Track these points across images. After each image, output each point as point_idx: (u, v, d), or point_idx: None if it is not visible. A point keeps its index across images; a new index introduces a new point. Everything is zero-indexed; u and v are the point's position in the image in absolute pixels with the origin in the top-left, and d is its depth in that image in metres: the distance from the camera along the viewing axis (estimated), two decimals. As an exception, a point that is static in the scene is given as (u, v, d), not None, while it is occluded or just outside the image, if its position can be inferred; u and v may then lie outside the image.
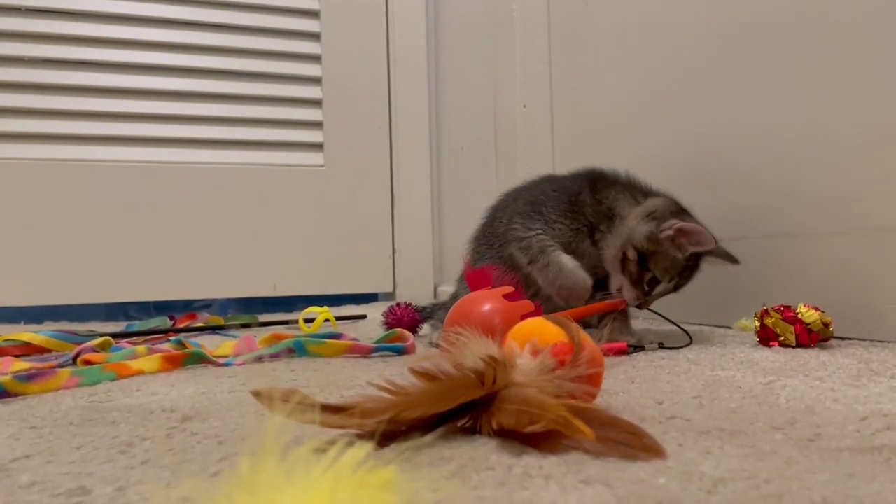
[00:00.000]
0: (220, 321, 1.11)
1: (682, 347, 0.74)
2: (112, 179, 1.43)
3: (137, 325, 1.09)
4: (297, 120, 1.59)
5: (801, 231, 0.83)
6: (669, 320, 0.82)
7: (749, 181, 0.90)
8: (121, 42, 1.46)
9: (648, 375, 0.58)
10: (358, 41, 1.64)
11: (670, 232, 0.76)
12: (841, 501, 0.28)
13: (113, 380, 0.61)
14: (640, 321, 0.97)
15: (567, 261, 0.78)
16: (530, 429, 0.35)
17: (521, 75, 1.34)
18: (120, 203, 1.43)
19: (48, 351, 0.79)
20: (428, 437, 0.37)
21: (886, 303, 0.74)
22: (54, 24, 1.41)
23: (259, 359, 0.72)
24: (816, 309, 0.72)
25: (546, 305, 0.75)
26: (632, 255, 0.78)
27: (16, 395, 0.54)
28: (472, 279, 0.75)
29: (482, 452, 0.35)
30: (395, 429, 0.37)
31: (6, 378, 0.54)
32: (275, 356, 0.73)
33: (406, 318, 0.95)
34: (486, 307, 0.64)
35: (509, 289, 0.66)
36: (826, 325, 0.71)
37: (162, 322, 1.11)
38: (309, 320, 1.01)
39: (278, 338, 0.76)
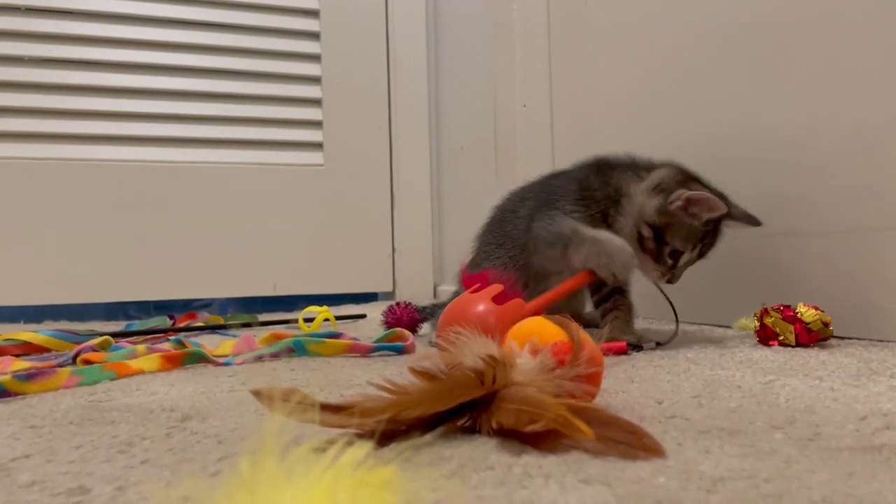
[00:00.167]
0: (220, 320, 1.11)
1: (670, 340, 0.74)
2: (110, 179, 1.43)
3: (137, 325, 1.09)
4: (297, 119, 1.59)
5: (800, 230, 0.83)
6: (668, 299, 0.79)
7: (748, 181, 0.89)
8: (117, 41, 1.46)
9: (648, 375, 0.58)
10: (358, 40, 1.64)
11: (680, 202, 0.74)
12: (840, 501, 0.28)
13: (112, 379, 0.61)
14: (640, 321, 0.97)
15: (601, 232, 0.75)
16: (530, 428, 0.35)
17: (520, 75, 1.34)
18: (118, 202, 1.43)
19: (48, 350, 0.79)
20: (428, 437, 0.37)
21: (886, 302, 0.74)
22: (52, 24, 1.41)
23: (259, 358, 0.72)
24: (816, 308, 0.72)
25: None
26: (647, 232, 0.76)
27: (15, 394, 0.54)
28: (469, 282, 0.75)
29: (482, 452, 0.35)
30: (394, 428, 0.37)
31: (6, 377, 0.54)
32: (274, 355, 0.73)
33: (406, 318, 0.95)
34: (480, 308, 0.64)
35: (499, 287, 0.66)
36: (825, 325, 0.71)
37: (162, 321, 1.11)
38: (308, 320, 1.01)
39: (278, 337, 0.76)
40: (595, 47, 1.21)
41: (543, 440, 0.35)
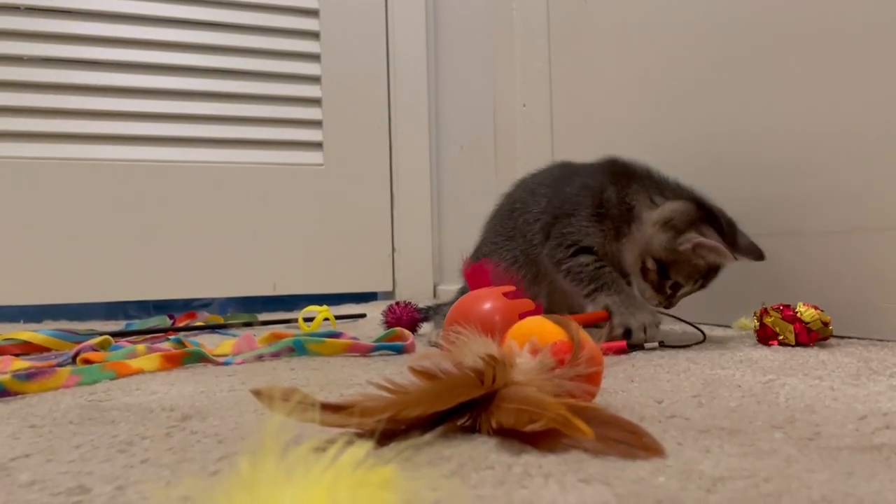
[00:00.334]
0: (220, 320, 1.11)
1: (686, 347, 0.74)
2: (110, 178, 1.43)
3: (137, 324, 1.09)
4: (297, 119, 1.59)
5: (800, 230, 0.83)
6: (682, 319, 0.82)
7: (748, 181, 0.90)
8: (117, 41, 1.46)
9: (648, 374, 0.58)
10: (357, 40, 1.64)
11: (688, 246, 0.74)
12: (840, 500, 0.28)
13: (112, 379, 0.61)
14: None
15: (633, 293, 0.77)
16: (530, 428, 0.35)
17: (520, 74, 1.34)
18: (118, 202, 1.43)
19: (47, 350, 0.79)
20: (427, 436, 0.37)
21: (886, 301, 0.74)
22: (52, 23, 1.41)
23: (259, 358, 0.72)
24: (815, 308, 0.72)
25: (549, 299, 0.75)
26: (651, 265, 0.77)
27: (15, 393, 0.54)
28: (472, 276, 0.75)
29: (482, 451, 0.35)
30: (394, 428, 0.37)
31: (6, 377, 0.54)
32: (274, 355, 0.73)
33: (405, 317, 0.95)
34: (487, 305, 0.64)
35: (510, 287, 0.66)
36: (825, 324, 0.71)
37: (161, 321, 1.11)
38: (308, 319, 1.01)
39: (278, 336, 0.76)
40: (595, 47, 1.21)
41: (543, 440, 0.35)
